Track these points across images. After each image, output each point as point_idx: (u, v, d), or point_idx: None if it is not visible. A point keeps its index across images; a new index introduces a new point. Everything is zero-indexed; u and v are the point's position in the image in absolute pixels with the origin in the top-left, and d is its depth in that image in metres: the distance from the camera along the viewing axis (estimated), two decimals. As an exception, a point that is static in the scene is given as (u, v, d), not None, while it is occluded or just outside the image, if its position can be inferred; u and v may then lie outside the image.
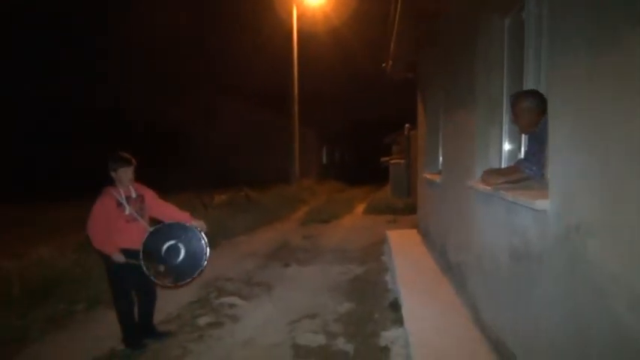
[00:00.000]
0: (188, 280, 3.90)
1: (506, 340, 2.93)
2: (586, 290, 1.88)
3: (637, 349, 1.56)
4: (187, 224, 3.91)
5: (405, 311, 4.16)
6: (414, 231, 7.93)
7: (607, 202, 1.73)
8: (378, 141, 20.60)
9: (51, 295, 4.95)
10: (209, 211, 10.37)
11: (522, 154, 3.24)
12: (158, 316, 4.36)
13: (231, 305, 5.03)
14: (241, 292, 5.49)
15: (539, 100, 2.75)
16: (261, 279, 6.13)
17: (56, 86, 18.54)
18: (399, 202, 13.55)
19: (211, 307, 4.96)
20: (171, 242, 3.79)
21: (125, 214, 3.79)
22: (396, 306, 4.56)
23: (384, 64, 8.82)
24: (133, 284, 3.89)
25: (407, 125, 14.63)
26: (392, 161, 16.55)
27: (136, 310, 4.00)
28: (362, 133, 31.65)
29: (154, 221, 4.05)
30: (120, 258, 3.69)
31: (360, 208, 14.73)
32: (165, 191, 5.15)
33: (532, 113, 2.80)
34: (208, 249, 3.86)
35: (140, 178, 4.00)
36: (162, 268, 3.78)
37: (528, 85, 3.10)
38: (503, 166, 3.60)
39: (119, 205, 3.77)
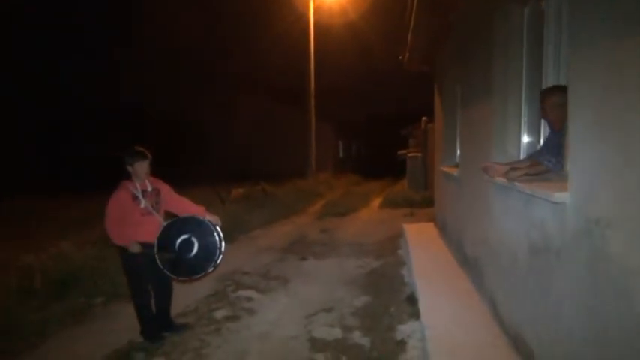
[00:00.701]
0: (202, 274, 3.94)
1: (525, 336, 2.89)
2: (606, 285, 1.84)
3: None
4: (202, 218, 3.94)
5: (421, 305, 4.13)
6: (431, 224, 7.87)
7: (629, 195, 1.68)
8: (395, 135, 20.45)
9: (70, 289, 5.05)
10: (226, 205, 10.45)
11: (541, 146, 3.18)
12: (176, 309, 4.41)
13: (248, 298, 5.07)
14: (258, 286, 5.53)
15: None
16: (277, 272, 6.16)
17: (80, 84, 18.95)
18: (416, 196, 13.48)
19: (228, 301, 5.01)
20: (185, 236, 3.83)
21: (141, 208, 3.83)
22: (412, 300, 4.53)
23: (400, 57, 8.74)
24: (149, 278, 3.94)
25: (424, 118, 14.52)
26: (409, 154, 16.44)
27: (153, 303, 4.06)
28: (379, 126, 31.40)
29: (168, 215, 4.09)
30: (136, 247, 3.74)
31: (376, 202, 14.68)
32: (182, 186, 5.21)
33: (562, 108, 2.71)
34: (223, 243, 3.89)
35: (157, 173, 4.04)
36: (176, 261, 3.82)
37: (548, 75, 3.03)
38: (521, 157, 3.53)
39: (135, 198, 3.82)
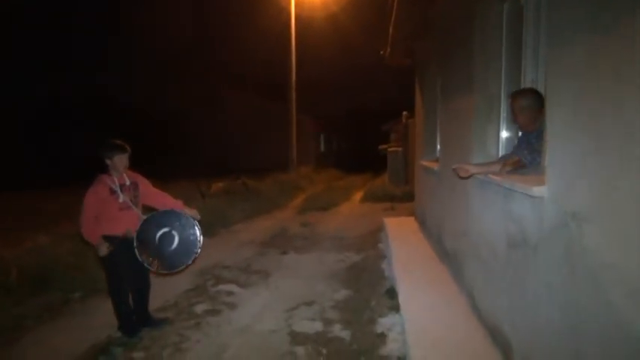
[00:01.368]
0: (182, 267, 3.94)
1: (503, 328, 2.94)
2: (582, 278, 1.87)
3: (633, 337, 1.55)
4: (180, 212, 3.92)
5: (401, 298, 4.17)
6: (412, 218, 7.93)
7: (604, 189, 1.71)
8: (377, 129, 20.48)
9: (48, 284, 4.95)
10: (206, 199, 10.34)
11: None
12: (155, 304, 4.37)
13: (229, 293, 5.04)
14: (239, 280, 5.50)
15: (537, 98, 2.75)
16: (258, 267, 6.13)
17: (60, 79, 18.59)
18: (396, 190, 13.54)
19: (208, 295, 4.97)
20: (165, 230, 3.81)
21: (119, 202, 3.77)
22: (392, 293, 4.57)
23: (382, 52, 8.74)
24: (127, 272, 3.88)
25: (404, 113, 14.57)
26: (390, 149, 16.49)
27: (131, 297, 4.00)
28: (360, 121, 31.44)
29: (146, 209, 4.04)
30: (103, 250, 3.67)
31: (357, 196, 14.71)
32: (162, 180, 5.13)
33: (530, 111, 2.80)
34: (202, 237, 3.90)
35: (136, 166, 3.98)
36: (155, 255, 3.78)
37: (527, 70, 3.07)
38: (500, 153, 3.58)
39: (112, 192, 3.74)
